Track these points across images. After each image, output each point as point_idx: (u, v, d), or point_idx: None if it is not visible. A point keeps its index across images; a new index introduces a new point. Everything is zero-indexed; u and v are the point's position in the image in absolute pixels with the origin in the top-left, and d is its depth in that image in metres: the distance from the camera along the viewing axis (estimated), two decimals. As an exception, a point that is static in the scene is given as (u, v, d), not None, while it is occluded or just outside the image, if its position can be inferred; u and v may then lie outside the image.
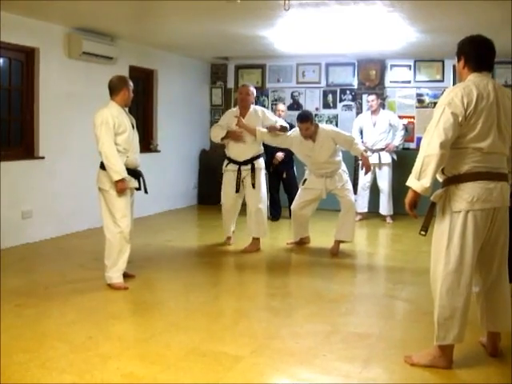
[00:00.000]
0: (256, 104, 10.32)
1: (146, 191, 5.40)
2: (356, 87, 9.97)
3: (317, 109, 10.20)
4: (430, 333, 3.52)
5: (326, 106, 10.16)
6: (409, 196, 3.42)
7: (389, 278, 5.96)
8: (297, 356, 3.69)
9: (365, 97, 9.62)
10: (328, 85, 10.12)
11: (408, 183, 3.41)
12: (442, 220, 3.45)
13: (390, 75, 9.84)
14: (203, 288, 5.34)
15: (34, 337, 3.93)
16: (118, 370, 3.40)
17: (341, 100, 10.12)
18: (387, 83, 9.84)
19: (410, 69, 9.74)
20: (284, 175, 8.91)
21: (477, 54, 3.46)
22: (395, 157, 8.96)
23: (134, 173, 5.28)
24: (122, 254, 5.20)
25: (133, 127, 5.29)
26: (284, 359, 3.63)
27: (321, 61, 10.08)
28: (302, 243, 7.13)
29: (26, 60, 6.96)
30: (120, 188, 5.08)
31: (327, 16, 6.31)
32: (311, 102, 10.25)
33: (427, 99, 9.66)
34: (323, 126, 6.87)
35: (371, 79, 9.75)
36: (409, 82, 9.76)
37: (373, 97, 8.95)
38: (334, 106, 10.08)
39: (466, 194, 3.34)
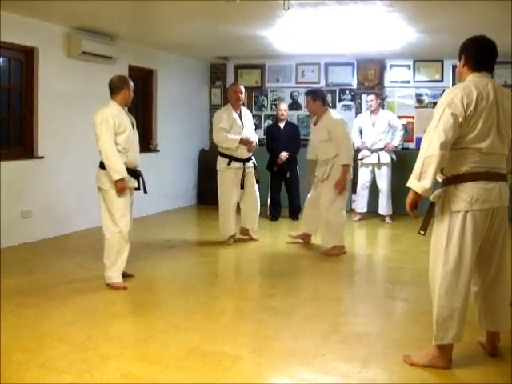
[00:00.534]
0: (255, 104, 10.47)
1: (145, 191, 5.41)
2: (355, 87, 9.97)
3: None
4: (429, 333, 3.53)
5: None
6: (409, 197, 3.42)
7: (388, 278, 5.97)
8: (296, 356, 3.69)
9: (364, 97, 9.63)
10: (327, 85, 10.12)
11: (408, 184, 3.41)
12: (441, 220, 3.46)
13: (390, 75, 9.85)
14: (203, 288, 5.34)
15: (34, 336, 3.93)
16: (117, 370, 3.40)
17: (340, 100, 10.12)
18: (386, 83, 9.85)
19: (410, 69, 9.75)
20: (288, 175, 8.95)
21: (477, 54, 3.46)
22: (394, 157, 8.96)
23: (134, 172, 5.28)
24: (121, 253, 5.20)
25: (133, 127, 5.29)
26: (283, 359, 3.63)
27: (320, 61, 10.09)
28: (304, 239, 7.13)
29: (25, 60, 6.96)
30: (120, 187, 5.08)
31: (326, 16, 6.31)
32: (310, 101, 10.23)
33: (426, 99, 9.67)
34: (334, 114, 6.74)
35: (370, 79, 9.76)
36: (408, 81, 9.77)
37: (372, 97, 8.95)
38: (334, 106, 10.06)
39: (465, 195, 3.35)
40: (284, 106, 9.22)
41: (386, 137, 8.91)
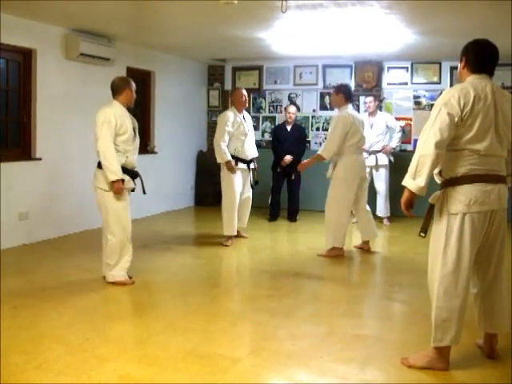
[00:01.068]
0: (253, 106, 10.48)
1: (144, 191, 5.44)
2: (353, 89, 9.94)
3: (314, 110, 10.22)
4: (428, 335, 3.53)
5: (323, 107, 10.16)
6: (404, 195, 3.43)
7: (386, 280, 5.97)
8: (294, 358, 3.69)
9: (362, 98, 9.63)
10: (325, 86, 10.12)
11: (403, 183, 3.43)
12: (440, 222, 3.46)
13: (387, 77, 9.85)
14: (201, 289, 5.34)
15: (31, 338, 3.92)
16: (115, 372, 3.40)
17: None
18: (384, 85, 9.85)
19: (407, 71, 9.75)
20: (293, 177, 9.01)
21: (477, 56, 3.48)
22: (392, 159, 8.97)
23: (132, 173, 5.29)
24: (125, 253, 5.25)
25: (134, 131, 5.28)
26: (281, 361, 3.63)
27: (318, 62, 10.08)
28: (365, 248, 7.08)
29: (23, 61, 6.95)
30: (116, 188, 5.07)
31: (324, 18, 6.31)
32: (308, 103, 10.25)
33: (424, 101, 9.67)
34: (345, 110, 6.64)
35: (368, 81, 9.76)
36: (406, 83, 9.77)
37: (370, 98, 8.96)
38: (331, 108, 10.04)
39: (463, 197, 3.35)
40: (292, 109, 9.20)
41: (383, 139, 8.92)
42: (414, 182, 3.35)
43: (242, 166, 7.18)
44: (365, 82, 9.77)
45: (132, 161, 5.26)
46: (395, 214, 8.70)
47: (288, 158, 8.81)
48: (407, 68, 9.74)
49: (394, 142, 8.97)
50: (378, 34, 7.27)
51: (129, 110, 5.40)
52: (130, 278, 5.38)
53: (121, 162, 5.10)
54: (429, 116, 3.42)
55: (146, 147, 9.12)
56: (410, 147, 9.53)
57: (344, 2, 5.61)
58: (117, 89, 5.25)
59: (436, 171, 3.49)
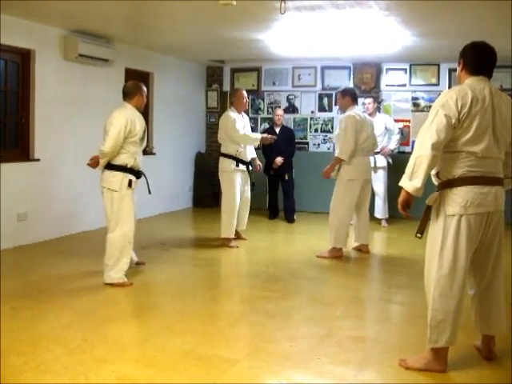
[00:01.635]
0: (252, 107, 10.49)
1: (149, 191, 5.65)
2: (351, 90, 9.96)
3: (312, 112, 10.22)
4: (425, 336, 3.52)
5: (321, 109, 10.17)
6: (401, 196, 3.44)
7: (384, 282, 5.97)
8: (292, 359, 3.69)
9: (360, 100, 9.63)
10: (324, 88, 10.13)
11: (400, 183, 3.44)
12: (436, 223, 3.47)
13: (386, 79, 9.86)
14: (198, 291, 5.34)
15: (29, 339, 3.92)
16: (112, 373, 3.40)
17: (336, 103, 10.11)
18: (383, 87, 9.86)
19: (406, 72, 9.76)
20: (286, 177, 9.10)
21: (475, 58, 3.49)
22: (390, 160, 8.98)
23: (138, 173, 5.43)
24: (124, 255, 5.28)
25: (142, 135, 5.42)
26: (279, 362, 3.63)
27: (316, 64, 10.09)
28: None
29: (22, 62, 6.95)
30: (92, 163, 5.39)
31: (323, 19, 6.32)
32: (307, 105, 10.26)
33: (423, 103, 9.69)
34: (352, 110, 6.73)
35: (367, 83, 9.76)
36: (404, 85, 9.78)
37: (369, 100, 8.97)
38: (330, 110, 10.09)
39: (460, 199, 3.36)
40: (280, 112, 9.42)
41: (382, 140, 8.92)
42: (410, 182, 3.36)
43: (242, 167, 7.17)
44: (363, 83, 9.78)
45: (139, 162, 5.41)
46: (393, 216, 8.72)
47: (279, 159, 8.89)
48: (406, 70, 9.75)
49: (393, 144, 8.99)
50: (376, 35, 7.28)
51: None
52: (143, 263, 5.73)
53: (130, 164, 5.27)
54: (427, 118, 3.43)
55: (144, 148, 9.10)
56: (408, 149, 9.54)
57: (342, 4, 5.61)
58: (129, 93, 5.40)
59: (433, 172, 3.51)
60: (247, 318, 4.61)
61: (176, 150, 10.00)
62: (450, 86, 9.17)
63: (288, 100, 10.38)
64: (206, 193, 10.42)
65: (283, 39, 7.73)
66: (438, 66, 9.52)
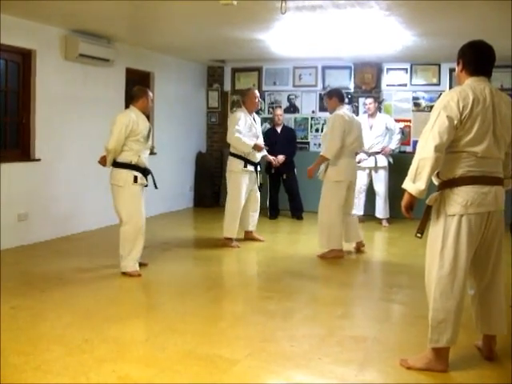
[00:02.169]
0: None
1: (155, 186, 5.90)
2: (352, 90, 9.97)
3: (313, 112, 10.22)
4: (426, 336, 3.52)
5: (322, 109, 10.13)
6: (404, 198, 3.44)
7: (385, 282, 5.97)
8: (292, 359, 3.69)
9: (361, 100, 9.64)
10: (324, 88, 10.11)
11: (403, 186, 3.43)
12: (437, 223, 3.47)
13: (387, 78, 9.85)
14: (199, 291, 5.34)
15: (30, 339, 3.92)
16: (113, 373, 3.40)
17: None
18: (383, 86, 9.86)
19: (407, 72, 9.76)
20: (284, 176, 9.14)
21: (475, 58, 3.48)
22: (391, 160, 8.98)
23: (144, 171, 5.71)
24: (136, 244, 5.62)
25: (147, 135, 5.74)
26: (279, 362, 3.63)
27: (317, 64, 10.09)
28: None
29: (22, 62, 6.95)
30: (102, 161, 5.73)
31: (324, 19, 6.31)
32: (308, 105, 10.26)
33: (423, 103, 9.68)
34: (341, 110, 6.69)
35: (367, 82, 9.76)
36: (405, 85, 9.77)
37: (370, 100, 8.98)
38: (330, 109, 10.07)
39: (461, 198, 3.36)
40: (280, 111, 9.47)
41: (383, 140, 8.93)
42: (414, 185, 3.35)
43: (250, 168, 7.15)
44: (364, 83, 9.77)
45: (144, 160, 5.69)
46: (394, 216, 8.71)
47: (280, 157, 8.84)
48: (406, 69, 9.75)
49: (394, 144, 8.99)
50: (377, 35, 7.27)
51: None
52: (146, 264, 5.88)
53: (134, 161, 5.58)
54: (428, 118, 3.43)
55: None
56: (409, 149, 9.54)
57: (343, 4, 5.61)
58: (135, 96, 5.79)
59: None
60: (248, 318, 4.61)
61: (177, 149, 9.99)
62: (450, 86, 9.16)
63: (289, 100, 10.38)
64: (207, 193, 10.43)
65: (284, 39, 7.73)
66: (439, 65, 9.51)
